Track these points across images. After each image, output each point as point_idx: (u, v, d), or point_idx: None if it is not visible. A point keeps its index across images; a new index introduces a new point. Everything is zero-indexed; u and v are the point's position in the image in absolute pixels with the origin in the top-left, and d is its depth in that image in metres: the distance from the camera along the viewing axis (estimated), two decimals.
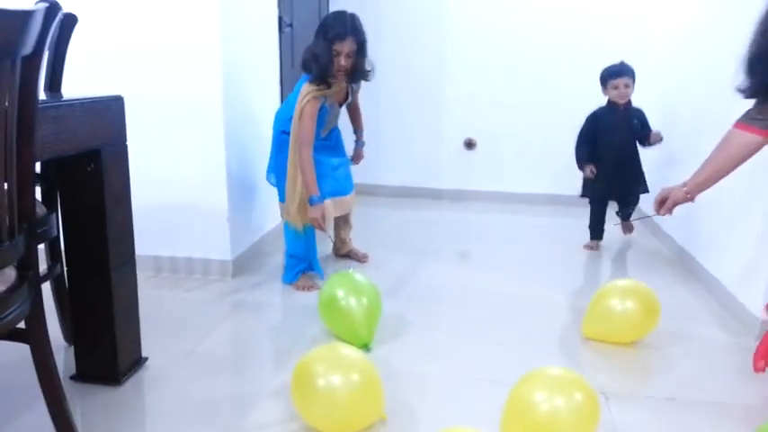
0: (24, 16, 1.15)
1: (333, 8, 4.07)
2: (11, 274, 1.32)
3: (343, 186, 2.77)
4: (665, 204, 2.08)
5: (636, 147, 3.16)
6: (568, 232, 3.49)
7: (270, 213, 3.29)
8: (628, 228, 3.36)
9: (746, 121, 1.87)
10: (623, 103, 3.07)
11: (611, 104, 3.10)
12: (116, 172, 1.81)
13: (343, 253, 3.06)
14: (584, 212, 3.32)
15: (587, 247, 3.26)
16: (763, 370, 1.93)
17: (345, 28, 2.38)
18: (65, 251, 1.82)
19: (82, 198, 1.76)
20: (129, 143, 1.88)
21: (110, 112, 1.78)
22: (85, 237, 1.78)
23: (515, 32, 4.09)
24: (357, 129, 2.98)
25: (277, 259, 3.08)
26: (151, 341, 2.03)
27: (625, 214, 3.30)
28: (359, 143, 2.98)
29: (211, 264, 2.75)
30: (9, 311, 1.25)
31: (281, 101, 3.34)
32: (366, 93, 4.28)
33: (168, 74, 2.58)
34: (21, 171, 1.27)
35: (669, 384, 1.95)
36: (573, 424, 1.45)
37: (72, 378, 1.85)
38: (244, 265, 2.85)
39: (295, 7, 3.51)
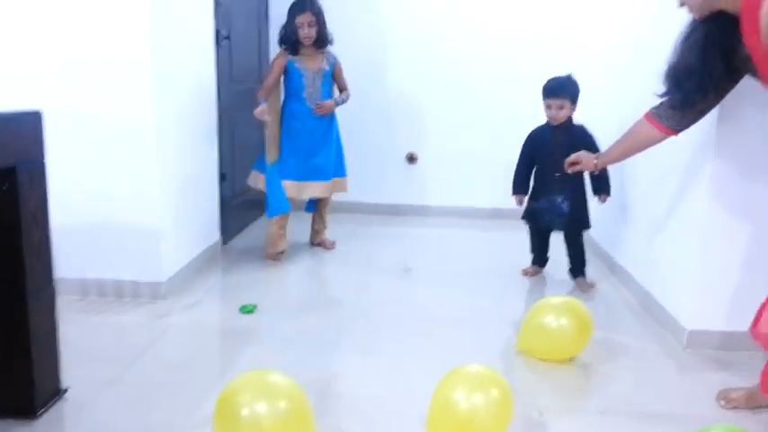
0: None
1: (273, 22, 4.03)
2: None
3: (309, 173, 3.20)
4: (574, 166, 2.46)
5: (579, 173, 2.67)
6: (510, 246, 3.51)
7: (208, 229, 3.21)
8: (583, 286, 2.90)
9: (656, 117, 2.03)
10: (558, 124, 2.81)
11: (548, 123, 2.87)
12: (33, 190, 1.72)
13: (316, 242, 3.50)
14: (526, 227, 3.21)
15: (525, 272, 3.08)
16: None
17: (304, 3, 3.04)
18: None
19: None
20: (54, 160, 1.79)
21: (26, 127, 1.69)
22: (0, 259, 1.67)
23: (456, 48, 4.13)
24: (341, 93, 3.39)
25: (215, 278, 3.00)
26: (73, 370, 1.91)
27: (573, 266, 2.95)
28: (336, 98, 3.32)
29: (142, 286, 2.64)
30: None
31: (218, 114, 3.28)
32: None
33: (96, 88, 2.48)
34: None
35: (603, 397, 1.99)
36: (489, 417, 1.59)
37: None
38: (178, 286, 2.74)
39: (233, 20, 3.45)
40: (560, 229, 2.92)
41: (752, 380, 1.91)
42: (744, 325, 1.88)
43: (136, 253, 2.61)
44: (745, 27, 1.66)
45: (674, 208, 2.45)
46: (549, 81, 2.83)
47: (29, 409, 1.71)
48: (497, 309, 2.68)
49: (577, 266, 2.93)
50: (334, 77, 3.29)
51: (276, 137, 3.17)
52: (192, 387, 1.97)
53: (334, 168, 3.33)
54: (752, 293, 1.91)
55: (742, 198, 2.14)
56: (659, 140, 2.07)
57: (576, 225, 2.89)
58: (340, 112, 4.08)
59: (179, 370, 2.11)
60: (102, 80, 2.48)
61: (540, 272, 3.10)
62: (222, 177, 3.37)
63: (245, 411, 1.45)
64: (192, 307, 2.59)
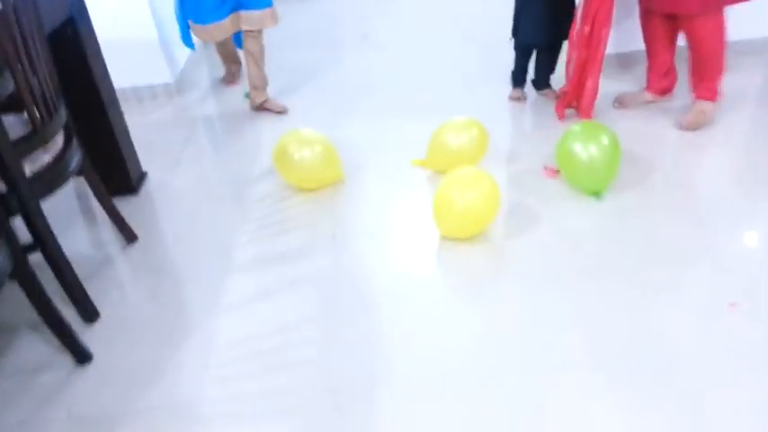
0: None
1: None
2: (59, 139, 1.77)
3: (205, 14, 2.67)
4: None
5: None
6: (472, 10, 3.85)
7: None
8: (549, 95, 2.82)
9: None
10: None
11: None
12: (89, 30, 2.16)
13: (258, 104, 2.92)
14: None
15: (513, 98, 2.86)
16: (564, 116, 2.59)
17: None
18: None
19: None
20: None
21: None
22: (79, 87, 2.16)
23: None
24: None
25: (212, 70, 3.41)
26: (144, 159, 2.48)
27: (539, 77, 2.82)
28: None
29: (156, 88, 3.13)
30: (71, 164, 1.76)
31: None
32: None
33: None
34: (46, 58, 1.66)
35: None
36: (483, 205, 1.93)
37: None
38: (185, 82, 3.22)
39: None
40: (543, 42, 2.69)
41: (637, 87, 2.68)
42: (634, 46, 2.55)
43: (142, 60, 3.01)
44: None
45: None
46: None
47: (131, 188, 2.38)
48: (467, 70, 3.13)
49: (546, 77, 2.82)
50: None
51: None
52: (243, 155, 2.58)
53: None
54: None
55: None
56: None
57: (559, 36, 2.63)
58: None
59: (226, 146, 2.70)
60: None
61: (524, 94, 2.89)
62: None
63: (295, 155, 2.18)
64: (206, 99, 3.12)
